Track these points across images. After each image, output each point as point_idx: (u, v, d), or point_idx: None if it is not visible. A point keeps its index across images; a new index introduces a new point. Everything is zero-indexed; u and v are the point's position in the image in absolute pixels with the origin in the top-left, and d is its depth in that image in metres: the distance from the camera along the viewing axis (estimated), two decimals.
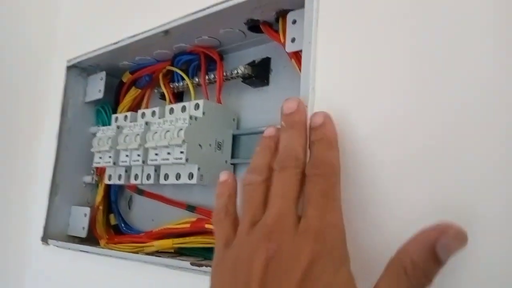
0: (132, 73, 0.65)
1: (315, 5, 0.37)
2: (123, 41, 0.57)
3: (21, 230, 0.67)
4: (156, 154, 0.50)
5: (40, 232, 0.61)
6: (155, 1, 0.56)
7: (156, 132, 0.50)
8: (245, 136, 0.53)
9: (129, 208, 0.66)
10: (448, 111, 0.28)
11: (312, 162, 0.31)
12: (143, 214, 0.64)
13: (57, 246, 0.58)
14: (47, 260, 0.62)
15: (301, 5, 0.40)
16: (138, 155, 0.52)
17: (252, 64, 0.52)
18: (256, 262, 0.27)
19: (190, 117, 0.48)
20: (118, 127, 0.56)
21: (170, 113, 0.53)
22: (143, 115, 0.56)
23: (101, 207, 0.64)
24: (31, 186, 0.68)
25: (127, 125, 0.55)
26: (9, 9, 0.69)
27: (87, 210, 0.62)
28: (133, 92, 0.65)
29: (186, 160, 0.47)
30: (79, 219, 0.62)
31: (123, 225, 0.63)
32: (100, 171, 0.65)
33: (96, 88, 0.66)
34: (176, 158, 0.48)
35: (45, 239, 0.60)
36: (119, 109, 0.66)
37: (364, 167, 0.31)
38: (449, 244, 0.24)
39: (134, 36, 0.55)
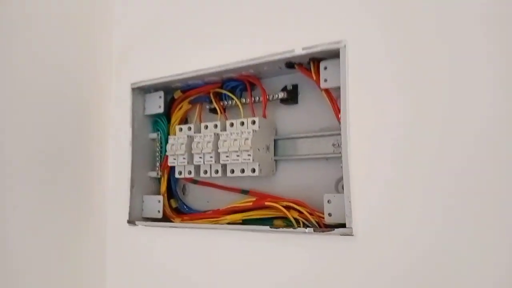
0: (183, 92, 0.85)
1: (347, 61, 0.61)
2: (186, 74, 0.77)
3: (101, 218, 0.87)
4: (227, 156, 0.72)
5: (124, 216, 0.81)
6: (212, 44, 0.77)
7: (225, 141, 0.72)
8: (281, 140, 0.76)
9: (183, 194, 0.88)
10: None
11: None
12: (196, 198, 0.86)
13: (145, 226, 0.79)
14: (133, 239, 0.82)
15: (331, 56, 0.64)
16: (211, 157, 0.74)
17: (285, 89, 0.75)
18: None
19: (253, 130, 0.70)
20: (188, 136, 0.77)
21: (230, 126, 0.75)
22: (206, 127, 0.78)
23: (165, 195, 0.85)
24: (107, 182, 0.88)
25: (197, 134, 0.76)
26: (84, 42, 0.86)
27: (160, 197, 0.83)
28: (186, 106, 0.85)
29: (253, 160, 0.70)
30: (153, 205, 0.83)
31: (185, 207, 0.85)
32: (163, 167, 0.85)
33: (156, 104, 0.86)
34: (245, 159, 0.70)
35: (131, 221, 0.81)
36: (172, 119, 0.86)
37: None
38: None
39: (198, 70, 0.76)
